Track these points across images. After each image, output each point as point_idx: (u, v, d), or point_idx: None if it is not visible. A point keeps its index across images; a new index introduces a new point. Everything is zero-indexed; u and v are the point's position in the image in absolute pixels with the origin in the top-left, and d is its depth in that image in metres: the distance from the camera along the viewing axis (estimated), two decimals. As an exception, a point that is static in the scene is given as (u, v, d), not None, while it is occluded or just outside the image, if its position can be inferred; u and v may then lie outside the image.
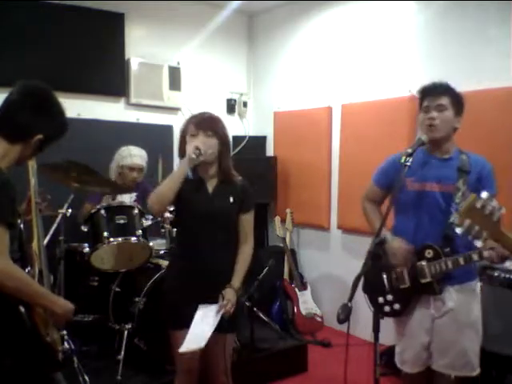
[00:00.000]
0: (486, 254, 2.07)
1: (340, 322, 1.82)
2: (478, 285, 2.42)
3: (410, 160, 2.19)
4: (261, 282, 3.59)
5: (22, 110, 1.72)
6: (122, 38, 4.46)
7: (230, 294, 2.28)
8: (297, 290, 4.52)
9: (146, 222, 3.32)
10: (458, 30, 3.63)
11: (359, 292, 2.15)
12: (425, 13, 3.85)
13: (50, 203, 2.58)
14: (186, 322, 2.24)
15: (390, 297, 2.39)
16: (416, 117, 2.45)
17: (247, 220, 2.40)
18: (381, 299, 2.41)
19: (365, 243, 2.20)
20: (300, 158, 4.84)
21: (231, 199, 2.34)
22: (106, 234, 3.14)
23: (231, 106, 5.31)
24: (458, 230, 1.57)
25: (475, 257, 2.12)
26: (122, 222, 3.22)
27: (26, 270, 1.87)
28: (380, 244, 2.35)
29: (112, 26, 4.41)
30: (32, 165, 2.16)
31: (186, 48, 4.89)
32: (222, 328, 2.25)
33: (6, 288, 1.61)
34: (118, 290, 3.35)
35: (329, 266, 4.70)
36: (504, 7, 3.33)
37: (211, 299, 2.28)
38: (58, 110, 1.81)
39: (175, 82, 4.79)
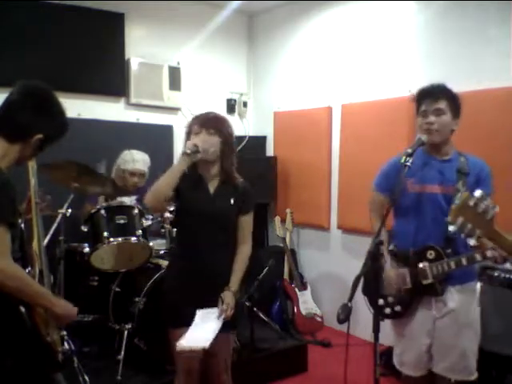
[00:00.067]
0: (489, 254, 2.07)
1: (340, 322, 1.82)
2: (477, 285, 2.42)
3: (410, 160, 2.18)
4: (261, 281, 3.59)
5: (22, 110, 1.72)
6: (122, 38, 4.46)
7: (228, 298, 2.28)
8: (297, 290, 4.53)
9: (146, 222, 3.32)
10: (457, 30, 3.63)
11: (359, 292, 2.15)
12: (425, 13, 3.85)
13: (50, 203, 2.57)
14: (185, 321, 2.25)
15: (390, 298, 2.38)
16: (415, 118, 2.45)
17: (246, 221, 2.40)
18: (381, 301, 2.40)
19: (365, 243, 2.20)
20: (300, 157, 4.84)
21: (232, 200, 2.33)
22: (106, 234, 3.14)
23: (231, 106, 5.31)
24: (451, 228, 1.58)
25: (478, 257, 2.11)
26: (122, 222, 3.22)
27: (27, 270, 1.87)
28: (380, 244, 2.37)
29: (112, 26, 4.41)
30: (32, 165, 2.16)
31: (185, 48, 4.89)
32: (222, 327, 2.25)
33: (6, 288, 1.61)
34: (118, 289, 3.35)
35: (329, 266, 4.70)
36: (504, 7, 3.33)
37: (210, 299, 2.29)
38: (59, 110, 1.81)
39: (175, 82, 4.79)
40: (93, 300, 3.40)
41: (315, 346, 4.11)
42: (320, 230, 4.73)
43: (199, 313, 2.25)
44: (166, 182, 2.22)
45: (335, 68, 4.57)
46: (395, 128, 3.92)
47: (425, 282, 2.26)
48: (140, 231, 3.23)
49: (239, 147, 5.14)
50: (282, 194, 5.00)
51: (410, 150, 2.21)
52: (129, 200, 3.70)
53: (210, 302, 2.28)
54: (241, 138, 5.19)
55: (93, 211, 3.23)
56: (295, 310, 4.44)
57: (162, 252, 3.53)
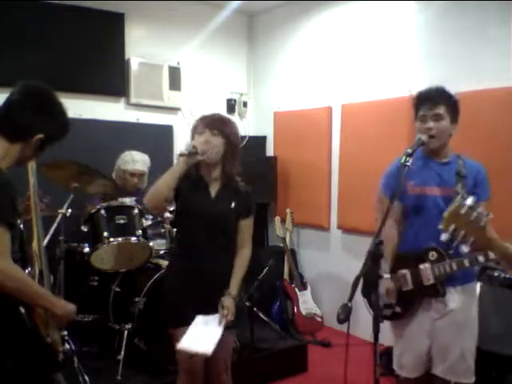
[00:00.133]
0: (491, 255, 2.07)
1: (340, 322, 1.82)
2: (477, 286, 2.42)
3: (410, 160, 2.18)
4: (261, 281, 3.59)
5: (22, 110, 1.72)
6: (122, 38, 4.46)
7: (228, 303, 2.28)
8: (297, 290, 4.53)
9: (146, 222, 3.32)
10: (457, 30, 3.63)
11: (359, 292, 2.15)
12: (425, 13, 3.85)
13: (49, 204, 2.58)
14: (185, 321, 2.25)
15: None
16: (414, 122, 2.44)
17: (246, 225, 2.40)
18: (381, 302, 2.39)
19: (365, 243, 2.20)
20: (300, 157, 4.84)
21: (232, 204, 2.33)
22: (106, 234, 3.14)
23: (231, 106, 5.31)
24: (443, 236, 1.59)
25: (481, 258, 2.11)
26: (121, 221, 3.22)
27: (27, 271, 1.87)
28: (380, 244, 2.37)
29: (112, 26, 4.41)
30: (31, 165, 2.16)
31: (185, 48, 4.89)
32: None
33: (6, 289, 1.62)
34: (118, 289, 3.35)
35: (329, 265, 4.70)
36: (504, 7, 3.33)
37: (210, 299, 2.29)
38: (59, 110, 1.82)
39: (175, 82, 4.79)
40: (93, 300, 3.40)
41: (315, 345, 4.11)
42: (320, 230, 4.73)
43: (199, 318, 2.25)
44: (165, 183, 2.22)
45: (335, 68, 4.57)
46: (395, 128, 3.92)
47: (426, 283, 2.26)
48: (140, 231, 3.23)
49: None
50: (282, 194, 5.00)
51: (409, 150, 2.20)
52: (129, 200, 3.70)
53: (210, 302, 2.29)
54: (241, 138, 5.19)
55: (93, 211, 3.23)
56: (295, 309, 4.44)
57: (161, 252, 3.53)
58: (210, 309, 2.28)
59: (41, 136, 1.74)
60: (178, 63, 4.84)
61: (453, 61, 3.64)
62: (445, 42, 3.72)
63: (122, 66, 4.49)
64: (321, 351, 4.06)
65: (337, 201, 4.54)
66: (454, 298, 2.29)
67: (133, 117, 4.65)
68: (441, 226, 1.60)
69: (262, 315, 4.11)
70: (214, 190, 2.36)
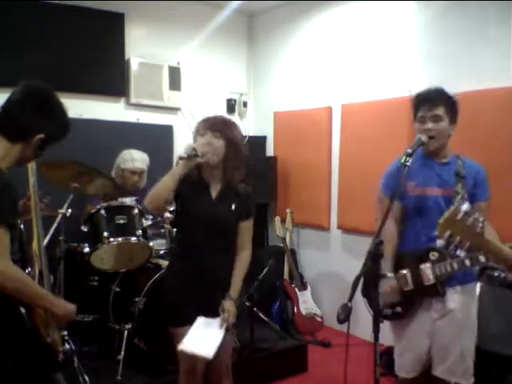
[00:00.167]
0: None
1: (340, 322, 1.82)
2: (477, 286, 2.42)
3: (410, 160, 2.18)
4: (261, 281, 3.58)
5: (23, 110, 1.73)
6: (122, 38, 4.46)
7: (229, 306, 2.28)
8: (297, 290, 4.53)
9: (146, 222, 3.32)
10: (457, 30, 3.63)
11: (359, 292, 2.15)
12: (425, 13, 3.85)
13: (49, 204, 2.57)
14: (185, 321, 2.26)
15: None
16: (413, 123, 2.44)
17: (246, 227, 2.40)
18: (382, 302, 2.39)
19: (365, 243, 2.20)
20: (300, 157, 4.84)
21: (233, 206, 2.33)
22: (105, 233, 3.14)
23: (231, 106, 5.31)
24: (438, 242, 1.59)
25: (482, 258, 2.10)
26: (121, 222, 3.22)
27: (27, 271, 1.87)
28: (380, 244, 2.37)
29: (112, 26, 4.41)
30: (31, 165, 2.16)
31: (185, 48, 4.89)
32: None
33: (6, 289, 1.61)
34: (118, 289, 3.35)
35: (329, 265, 4.70)
36: (504, 7, 3.33)
37: (210, 299, 2.30)
38: (60, 110, 1.82)
39: (175, 82, 4.79)
40: (93, 300, 3.40)
41: (315, 345, 4.11)
42: (320, 230, 4.73)
43: (200, 320, 2.26)
44: (165, 186, 2.22)
45: (335, 68, 4.57)
46: (395, 128, 3.92)
47: (427, 283, 2.26)
48: (140, 231, 3.23)
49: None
50: (282, 194, 5.00)
51: (409, 150, 2.20)
52: (129, 200, 3.71)
53: (210, 302, 2.29)
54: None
55: (93, 211, 3.23)
56: (295, 309, 4.44)
57: (161, 252, 3.53)
58: (209, 309, 2.29)
59: (41, 136, 1.74)
60: (178, 63, 4.84)
61: (453, 61, 3.64)
62: (445, 42, 3.72)
63: (122, 66, 4.49)
64: (321, 351, 4.06)
65: (337, 201, 4.54)
66: (454, 298, 2.29)
67: (133, 117, 4.65)
68: (436, 233, 1.61)
69: (262, 315, 4.12)
70: (214, 191, 2.36)
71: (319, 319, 4.53)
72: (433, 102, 2.28)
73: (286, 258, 4.57)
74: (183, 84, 4.87)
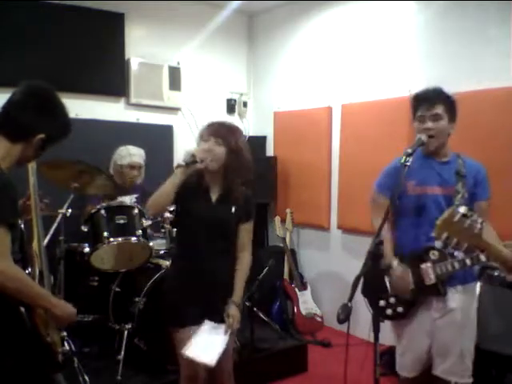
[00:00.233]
0: None
1: (340, 322, 1.82)
2: (477, 286, 2.42)
3: (410, 160, 2.18)
4: (261, 281, 3.59)
5: (24, 110, 1.73)
6: (122, 38, 4.46)
7: (233, 311, 2.30)
8: (297, 290, 4.53)
9: (146, 222, 3.31)
10: (457, 30, 3.63)
11: (359, 292, 2.15)
12: (425, 13, 3.85)
13: (49, 204, 2.57)
14: (186, 322, 2.26)
15: (392, 299, 2.38)
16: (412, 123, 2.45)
17: (246, 230, 2.41)
18: (382, 302, 2.39)
19: (365, 243, 2.20)
20: (300, 157, 4.84)
21: (233, 209, 2.34)
22: (106, 233, 3.14)
23: (231, 106, 5.31)
24: (436, 243, 1.59)
25: (483, 258, 2.11)
26: (121, 222, 3.21)
27: (27, 271, 1.87)
28: (380, 244, 2.37)
29: (112, 26, 4.41)
30: (32, 165, 2.16)
31: (186, 48, 4.89)
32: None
33: (7, 289, 1.61)
34: (118, 289, 3.35)
35: (329, 265, 4.70)
36: (504, 7, 3.33)
37: (210, 299, 2.30)
38: (61, 110, 1.82)
39: (175, 82, 4.79)
40: (93, 300, 3.40)
41: (315, 345, 4.12)
42: (320, 230, 4.73)
43: (205, 325, 2.26)
44: (166, 192, 2.23)
45: (335, 68, 4.57)
46: (395, 128, 3.92)
47: (428, 282, 2.26)
48: (140, 231, 3.23)
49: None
50: (282, 194, 5.00)
51: (409, 150, 2.21)
52: (129, 199, 3.71)
53: (210, 303, 2.30)
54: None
55: (93, 211, 3.23)
56: (295, 309, 4.44)
57: (162, 252, 3.53)
58: (209, 310, 2.29)
59: (42, 136, 1.74)
60: (178, 63, 4.84)
61: (453, 61, 3.64)
62: (445, 42, 3.72)
63: (122, 66, 4.49)
64: (321, 351, 4.06)
65: (337, 201, 4.54)
66: (455, 297, 2.29)
67: (133, 117, 4.65)
68: (433, 234, 1.61)
69: (262, 315, 4.12)
70: (214, 195, 2.36)
71: (319, 319, 4.53)
72: (432, 101, 2.28)
73: (286, 257, 4.57)
74: (183, 84, 4.87)
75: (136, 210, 3.29)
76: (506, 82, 3.29)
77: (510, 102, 3.29)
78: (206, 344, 2.21)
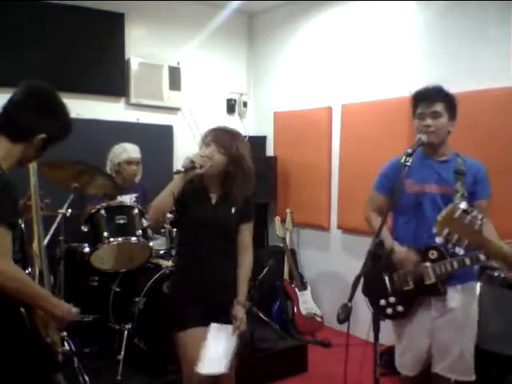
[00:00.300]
0: None
1: (340, 322, 1.82)
2: (477, 285, 2.42)
3: (410, 160, 2.19)
4: (261, 281, 3.58)
5: (24, 110, 1.73)
6: (122, 38, 4.46)
7: (240, 312, 2.31)
8: (297, 290, 4.53)
9: (146, 222, 3.31)
10: (457, 30, 3.63)
11: (359, 292, 2.15)
12: (425, 13, 3.85)
13: (49, 204, 2.57)
14: (187, 324, 2.26)
15: (392, 299, 2.38)
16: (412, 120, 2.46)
17: (247, 230, 2.41)
18: (383, 301, 2.40)
19: (365, 243, 2.20)
20: (300, 157, 4.84)
21: (233, 209, 2.33)
22: (106, 233, 3.14)
23: (231, 106, 5.31)
24: (437, 239, 1.59)
25: (482, 257, 2.11)
26: (121, 222, 3.21)
27: (27, 271, 1.87)
28: (380, 244, 2.36)
29: (112, 26, 4.41)
30: (32, 165, 2.16)
31: (186, 48, 4.89)
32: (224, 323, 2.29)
33: (7, 289, 1.61)
34: (118, 289, 3.35)
35: (329, 265, 4.70)
36: (504, 7, 3.33)
37: (211, 299, 2.30)
38: (62, 111, 1.82)
39: (175, 82, 4.79)
40: (93, 300, 3.40)
41: (315, 345, 4.11)
42: (320, 230, 4.73)
43: (211, 332, 2.25)
44: (166, 200, 2.23)
45: (335, 68, 4.57)
46: (395, 128, 3.92)
47: (427, 282, 2.27)
48: (140, 231, 3.22)
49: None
50: (282, 194, 5.00)
51: (409, 150, 2.21)
52: (129, 199, 3.72)
53: (210, 303, 2.30)
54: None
55: (93, 211, 3.23)
56: (295, 309, 4.44)
57: (161, 252, 3.53)
58: (211, 310, 2.29)
59: (43, 136, 1.74)
60: (178, 63, 4.84)
61: (453, 61, 3.64)
62: (445, 42, 3.72)
63: (122, 66, 4.49)
64: (321, 351, 4.06)
65: (337, 201, 4.54)
66: (454, 297, 2.29)
67: (133, 117, 4.65)
68: (434, 230, 1.61)
69: (262, 315, 4.11)
70: (214, 196, 2.37)
71: (319, 319, 4.53)
72: (431, 98, 2.29)
73: (286, 258, 4.57)
74: (183, 84, 4.87)
75: (136, 210, 3.29)
76: (506, 81, 3.29)
77: (510, 102, 3.29)
78: (216, 353, 2.22)
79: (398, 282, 2.36)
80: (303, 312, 4.45)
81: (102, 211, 3.20)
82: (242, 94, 5.39)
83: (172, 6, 4.73)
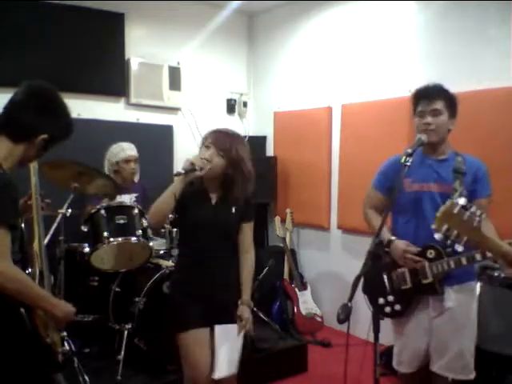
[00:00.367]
0: (489, 253, 2.07)
1: (340, 322, 1.82)
2: (477, 285, 2.42)
3: (410, 160, 2.19)
4: (261, 281, 3.59)
5: (25, 110, 1.73)
6: (122, 38, 4.46)
7: (245, 312, 2.32)
8: (297, 290, 4.53)
9: (146, 222, 3.32)
10: (457, 30, 3.63)
11: (359, 292, 2.15)
12: (425, 13, 3.85)
13: (49, 204, 2.57)
14: (188, 325, 2.26)
15: (390, 298, 2.39)
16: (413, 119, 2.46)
17: (248, 230, 2.41)
18: (381, 300, 2.41)
19: (365, 243, 2.20)
20: (300, 157, 4.84)
21: (233, 209, 2.34)
22: (106, 233, 3.14)
23: (231, 106, 5.31)
24: (436, 235, 1.59)
25: (478, 257, 2.12)
26: (121, 222, 3.21)
27: (27, 272, 1.87)
28: (380, 244, 2.37)
29: (112, 26, 4.41)
30: (33, 165, 2.16)
31: (186, 48, 4.89)
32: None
33: (6, 290, 1.61)
34: (118, 289, 3.35)
35: (329, 265, 4.70)
36: (504, 7, 3.33)
37: (212, 299, 2.30)
38: (63, 111, 1.82)
39: (175, 82, 4.79)
40: (93, 300, 3.40)
41: (315, 345, 4.12)
42: (320, 230, 4.73)
43: (218, 335, 2.27)
44: (166, 202, 2.24)
45: (335, 68, 4.57)
46: (395, 128, 3.92)
47: (425, 281, 2.27)
48: (140, 231, 3.22)
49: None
50: (282, 194, 5.00)
51: (409, 150, 2.21)
52: (129, 199, 3.72)
53: (211, 303, 2.29)
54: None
55: (93, 211, 3.23)
56: (295, 309, 4.44)
57: (161, 252, 3.53)
58: (211, 311, 2.29)
59: (44, 136, 1.74)
60: (178, 63, 4.84)
61: (453, 61, 3.64)
62: (445, 42, 3.72)
63: (122, 66, 4.49)
64: (321, 351, 4.06)
65: (337, 201, 4.54)
66: (451, 296, 2.30)
67: (133, 117, 4.65)
68: (433, 226, 1.61)
69: (262, 315, 4.11)
70: (214, 196, 2.37)
71: (319, 319, 4.53)
72: (432, 96, 2.30)
73: (286, 258, 4.57)
74: (183, 84, 4.86)
75: (136, 210, 3.29)
76: (506, 81, 3.29)
77: (510, 102, 3.29)
78: (226, 355, 2.26)
79: (397, 281, 2.37)
80: (303, 312, 4.45)
81: (102, 211, 3.20)
82: (241, 94, 5.39)
83: (172, 6, 4.73)
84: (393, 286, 2.39)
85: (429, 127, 2.28)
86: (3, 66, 3.80)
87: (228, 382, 2.35)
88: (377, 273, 2.42)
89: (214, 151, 2.27)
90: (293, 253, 4.82)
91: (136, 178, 3.89)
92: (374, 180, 2.57)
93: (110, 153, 3.82)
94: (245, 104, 5.38)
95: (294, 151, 4.88)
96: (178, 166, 2.34)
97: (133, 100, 4.58)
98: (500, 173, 2.96)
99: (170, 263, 3.33)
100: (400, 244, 2.33)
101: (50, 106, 1.78)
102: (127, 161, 3.78)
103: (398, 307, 2.38)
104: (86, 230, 3.22)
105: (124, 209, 3.31)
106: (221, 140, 2.30)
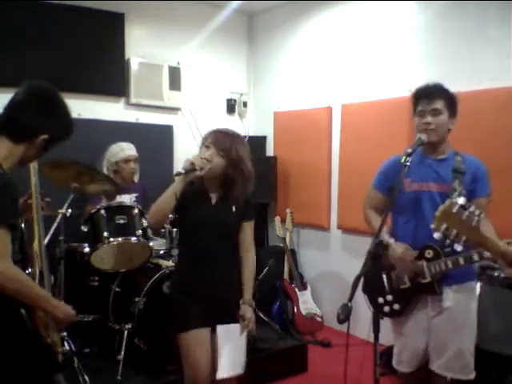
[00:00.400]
0: (487, 253, 2.07)
1: (340, 322, 1.82)
2: (476, 285, 2.42)
3: (410, 160, 2.19)
4: (261, 281, 3.59)
5: (26, 110, 1.73)
6: (122, 38, 4.46)
7: (248, 312, 2.32)
8: (297, 290, 4.53)
9: (146, 222, 3.31)
10: (457, 30, 3.63)
11: (359, 292, 2.15)
12: (425, 13, 3.85)
13: (49, 203, 2.57)
14: (189, 325, 2.26)
15: (389, 297, 2.39)
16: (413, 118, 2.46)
17: (249, 229, 2.41)
18: (381, 299, 2.41)
19: (365, 243, 2.20)
20: (300, 157, 4.84)
21: (233, 208, 2.34)
22: (106, 233, 3.14)
23: (231, 106, 5.31)
24: (435, 235, 1.59)
25: (475, 257, 2.12)
26: (121, 221, 3.21)
27: (27, 272, 1.87)
28: (380, 244, 2.36)
29: (112, 26, 4.41)
30: (33, 165, 2.16)
31: (186, 48, 4.89)
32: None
33: (6, 290, 1.61)
34: (118, 289, 3.35)
35: (329, 265, 4.70)
36: (504, 7, 3.33)
37: (212, 299, 2.30)
38: (64, 111, 1.82)
39: (175, 82, 4.79)
40: (93, 300, 3.40)
41: (315, 345, 4.12)
42: (320, 230, 4.73)
43: (220, 335, 2.27)
44: (167, 201, 2.24)
45: (335, 68, 4.57)
46: (395, 128, 3.92)
47: (423, 280, 2.27)
48: (140, 231, 3.22)
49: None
50: (282, 194, 5.00)
51: (409, 150, 2.21)
52: (128, 199, 3.72)
53: (211, 303, 2.29)
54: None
55: (93, 211, 3.23)
56: (295, 309, 4.44)
57: (161, 252, 3.53)
58: (211, 311, 2.29)
59: (45, 136, 1.74)
60: (178, 63, 4.84)
61: (453, 61, 3.64)
62: (445, 42, 3.72)
63: (122, 66, 4.49)
64: (321, 351, 4.06)
65: (337, 201, 4.54)
66: (450, 296, 2.30)
67: (133, 117, 4.65)
68: (432, 225, 1.61)
69: (262, 315, 4.11)
70: (214, 196, 2.37)
71: (319, 319, 4.53)
72: (432, 96, 2.30)
73: (286, 258, 4.57)
74: (183, 84, 4.86)
75: (136, 210, 3.29)
76: (506, 81, 3.30)
77: (510, 102, 3.29)
78: (230, 355, 2.25)
79: (396, 281, 2.37)
80: (303, 312, 4.45)
81: (102, 211, 3.20)
82: (241, 94, 5.39)
83: (172, 6, 4.73)
84: (392, 285, 2.39)
85: (429, 127, 2.28)
86: (3, 65, 3.80)
87: (228, 381, 2.35)
88: (376, 272, 2.42)
89: (214, 151, 2.27)
90: (293, 253, 4.82)
91: (136, 178, 3.89)
92: (373, 180, 2.57)
93: (110, 153, 3.82)
94: (245, 104, 5.38)
95: (294, 151, 4.88)
96: (178, 165, 2.34)
97: (133, 100, 4.58)
98: (500, 173, 2.96)
99: (170, 263, 3.33)
100: (398, 249, 2.32)
101: (51, 106, 1.78)
102: (127, 161, 3.79)
103: (396, 307, 2.39)
104: (85, 229, 3.22)
105: (124, 209, 3.31)
106: (221, 140, 2.30)
